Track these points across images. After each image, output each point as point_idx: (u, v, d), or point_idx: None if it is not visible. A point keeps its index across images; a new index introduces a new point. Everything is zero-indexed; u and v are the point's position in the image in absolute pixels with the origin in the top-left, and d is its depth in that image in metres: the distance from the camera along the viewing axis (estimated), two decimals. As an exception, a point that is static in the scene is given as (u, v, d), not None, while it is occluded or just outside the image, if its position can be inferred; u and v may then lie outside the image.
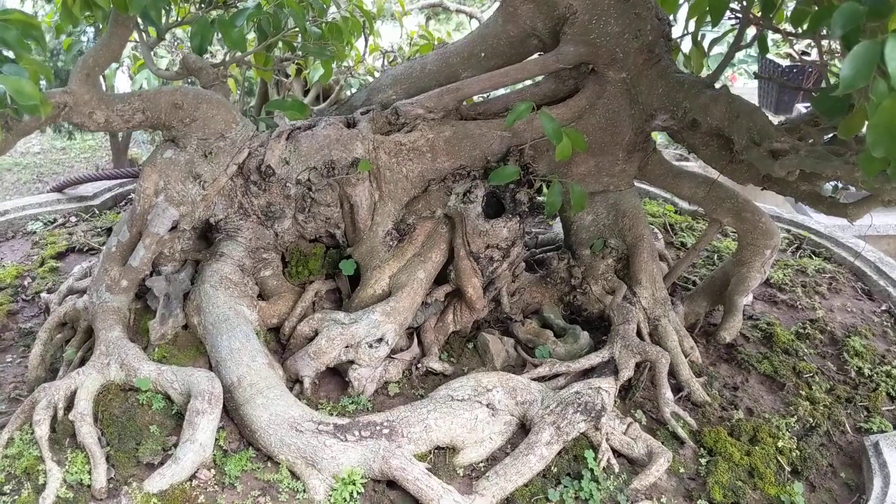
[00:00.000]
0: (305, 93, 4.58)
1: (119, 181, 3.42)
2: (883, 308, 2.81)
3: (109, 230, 3.07)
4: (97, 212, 3.26)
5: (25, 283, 2.71)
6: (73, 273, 2.59)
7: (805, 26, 1.75)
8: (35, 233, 3.09)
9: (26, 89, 1.55)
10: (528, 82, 2.40)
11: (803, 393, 2.31)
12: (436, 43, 5.05)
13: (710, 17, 2.02)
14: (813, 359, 2.50)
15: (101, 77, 2.13)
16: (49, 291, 2.59)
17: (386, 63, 5.03)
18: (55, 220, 3.19)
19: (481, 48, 2.37)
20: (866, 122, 1.46)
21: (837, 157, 1.76)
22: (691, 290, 2.71)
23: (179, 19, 2.50)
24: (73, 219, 3.21)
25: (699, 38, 2.32)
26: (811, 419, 2.20)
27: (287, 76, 4.30)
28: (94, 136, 7.45)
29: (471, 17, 5.64)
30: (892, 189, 1.80)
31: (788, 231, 3.30)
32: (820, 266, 3.03)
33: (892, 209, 4.21)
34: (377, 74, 5.03)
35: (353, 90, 4.35)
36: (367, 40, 4.98)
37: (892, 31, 1.34)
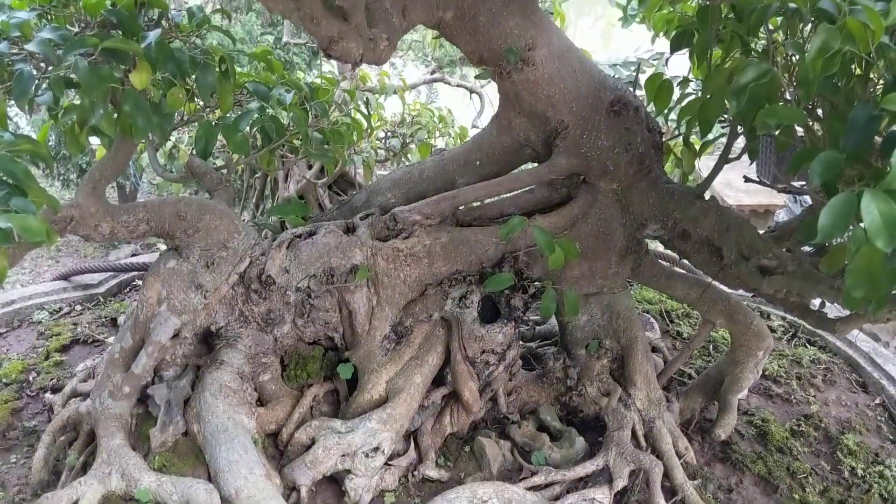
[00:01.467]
0: (310, 167, 4.66)
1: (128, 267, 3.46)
2: (877, 401, 2.82)
3: (114, 321, 3.11)
4: (102, 300, 3.30)
5: (31, 377, 2.73)
6: (77, 372, 2.62)
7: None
8: (41, 322, 3.12)
9: (33, 226, 1.60)
10: (522, 189, 2.45)
11: (797, 497, 2.31)
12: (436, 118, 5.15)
13: (699, 127, 2.09)
14: (807, 457, 2.50)
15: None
16: (53, 389, 2.62)
17: (388, 138, 5.12)
18: (60, 308, 3.23)
19: (477, 156, 2.43)
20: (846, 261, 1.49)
21: (823, 282, 1.79)
22: (687, 384, 2.73)
23: (186, 118, 2.56)
24: (79, 307, 3.24)
25: (690, 140, 2.38)
26: (805, 525, 2.21)
27: (292, 152, 4.37)
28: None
29: (471, 92, 5.74)
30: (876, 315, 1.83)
31: (784, 318, 3.32)
32: (815, 356, 3.05)
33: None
34: (381, 151, 5.13)
35: (358, 166, 4.42)
36: (370, 116, 5.08)
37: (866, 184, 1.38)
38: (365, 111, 4.71)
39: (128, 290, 3.44)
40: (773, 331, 3.25)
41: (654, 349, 2.88)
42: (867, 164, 1.51)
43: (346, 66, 5.30)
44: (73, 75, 1.89)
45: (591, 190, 2.31)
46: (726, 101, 1.85)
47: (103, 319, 3.14)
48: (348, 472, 2.11)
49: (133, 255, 6.57)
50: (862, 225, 1.36)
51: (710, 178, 2.26)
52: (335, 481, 2.18)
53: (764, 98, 1.68)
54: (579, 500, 2.04)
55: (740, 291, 2.36)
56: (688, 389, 2.64)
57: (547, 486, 2.17)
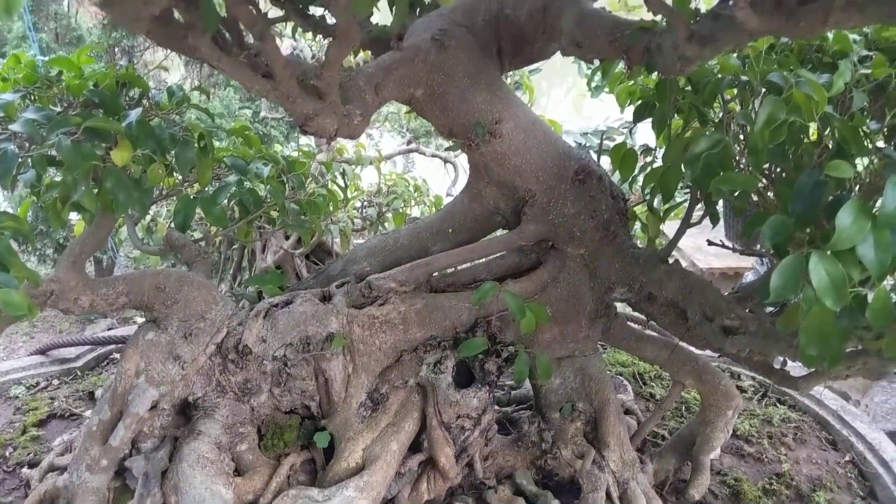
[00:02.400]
0: (287, 237, 4.71)
1: (105, 340, 3.46)
2: (847, 458, 2.86)
3: (91, 394, 3.10)
4: (79, 374, 3.30)
5: (7, 453, 2.71)
6: (54, 447, 2.60)
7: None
8: (18, 397, 3.11)
9: (15, 301, 1.63)
10: (494, 255, 2.51)
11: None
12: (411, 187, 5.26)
13: (661, 194, 2.18)
14: (780, 516, 2.53)
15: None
16: (30, 465, 2.60)
17: (364, 207, 5.21)
18: (38, 383, 3.22)
19: (449, 224, 2.50)
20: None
21: (782, 341, 1.86)
22: (660, 445, 2.76)
23: (165, 192, 2.61)
24: (56, 382, 3.24)
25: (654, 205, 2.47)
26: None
27: (269, 223, 4.43)
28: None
29: (445, 161, 5.87)
30: (853, 372, 1.89)
31: (754, 378, 3.38)
32: (785, 415, 3.10)
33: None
34: (357, 220, 5.21)
35: (335, 236, 4.49)
36: (346, 187, 5.17)
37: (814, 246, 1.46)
38: (341, 182, 4.81)
39: (105, 363, 3.44)
40: (743, 391, 3.31)
41: (628, 411, 2.92)
42: (816, 227, 1.59)
43: (323, 139, 5.41)
44: (55, 153, 1.94)
45: (560, 255, 2.38)
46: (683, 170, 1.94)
47: (81, 393, 3.13)
48: (326, 540, 2.11)
49: (109, 328, 6.54)
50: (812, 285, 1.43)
51: (674, 243, 2.33)
52: (313, 550, 2.18)
53: (718, 166, 1.77)
54: (556, 563, 2.05)
55: (708, 352, 2.41)
56: (661, 450, 2.67)
57: (523, 550, 2.18)
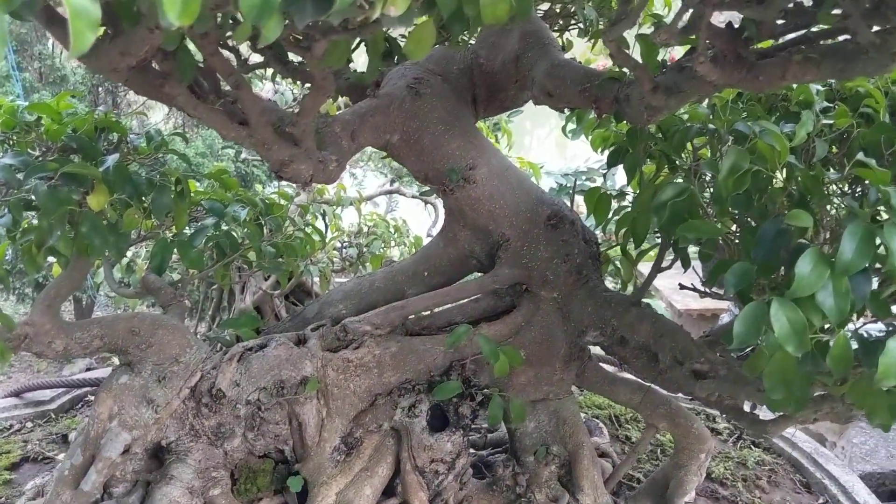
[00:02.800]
0: (266, 278, 4.71)
1: (81, 383, 3.44)
2: (820, 501, 2.87)
3: (65, 437, 3.07)
4: (53, 416, 3.27)
5: (-24, 495, 2.68)
6: (25, 491, 2.57)
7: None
8: (-10, 440, 3.08)
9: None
10: (469, 299, 2.53)
11: None
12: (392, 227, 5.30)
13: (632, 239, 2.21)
14: (755, 560, 2.53)
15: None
16: (0, 508, 2.57)
17: (344, 248, 5.24)
18: (11, 426, 3.18)
19: (425, 267, 2.52)
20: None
21: (750, 385, 1.88)
22: (636, 488, 2.76)
23: (142, 235, 2.62)
24: (29, 424, 3.20)
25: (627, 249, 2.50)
26: None
27: (247, 266, 4.43)
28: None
29: (426, 202, 5.92)
30: (821, 416, 1.92)
31: (729, 421, 3.39)
32: (759, 458, 3.11)
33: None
34: (336, 260, 5.23)
35: (315, 276, 4.50)
36: (326, 228, 5.19)
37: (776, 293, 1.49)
38: (322, 223, 4.83)
39: (80, 405, 3.41)
40: (718, 433, 3.32)
41: (603, 454, 2.92)
42: (778, 275, 1.62)
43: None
44: (32, 199, 1.95)
45: (534, 299, 2.40)
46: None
47: (54, 436, 3.10)
48: (298, 586, 2.10)
49: (88, 369, 6.48)
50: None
51: (645, 286, 2.36)
52: None
53: (684, 213, 1.81)
54: None
55: (681, 395, 2.43)
56: (636, 494, 2.67)
57: None
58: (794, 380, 1.54)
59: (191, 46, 1.68)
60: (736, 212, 1.81)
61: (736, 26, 1.63)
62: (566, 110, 2.31)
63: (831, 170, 1.91)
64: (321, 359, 2.33)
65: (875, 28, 1.35)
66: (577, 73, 2.10)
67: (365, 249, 4.99)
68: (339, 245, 5.15)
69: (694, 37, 1.59)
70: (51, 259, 2.61)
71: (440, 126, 2.25)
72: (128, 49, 1.41)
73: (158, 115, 9.88)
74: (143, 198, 2.17)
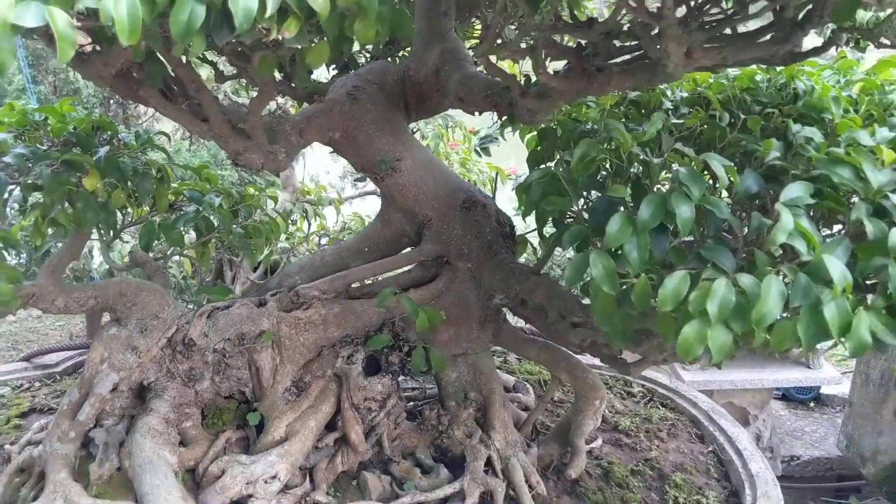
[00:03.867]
0: (255, 269, 5.17)
1: (79, 351, 3.89)
2: (710, 449, 3.30)
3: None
4: (58, 378, 3.72)
5: (-8, 437, 3.13)
6: (32, 428, 3.02)
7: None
8: (3, 396, 3.52)
9: (2, 290, 2.09)
10: (401, 270, 2.97)
11: (625, 517, 2.76)
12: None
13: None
14: (640, 490, 2.95)
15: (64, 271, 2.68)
16: (11, 444, 3.01)
17: (324, 242, 5.69)
18: (21, 384, 3.63)
19: (366, 245, 2.97)
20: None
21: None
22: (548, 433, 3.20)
23: (134, 219, 3.07)
24: (38, 384, 3.65)
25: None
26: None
27: (237, 256, 4.89)
28: None
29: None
30: (651, 352, 2.35)
31: (643, 385, 3.82)
32: (664, 415, 3.54)
33: (750, 366, 4.78)
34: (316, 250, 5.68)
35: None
36: (310, 224, 5.66)
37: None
38: (306, 219, 5.29)
39: (80, 369, 3.85)
40: (633, 395, 3.75)
41: (526, 408, 3.36)
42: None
43: (290, 181, 5.89)
44: (38, 181, 2.41)
45: (452, 269, 2.85)
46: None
47: (58, 392, 3.55)
48: (251, 496, 2.52)
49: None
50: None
51: (544, 260, 2.80)
52: (241, 506, 2.60)
53: (547, 192, 2.25)
54: (435, 513, 2.48)
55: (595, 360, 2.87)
56: (546, 438, 3.10)
57: (414, 505, 2.61)
58: (615, 315, 1.98)
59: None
60: (587, 191, 2.25)
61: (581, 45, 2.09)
62: (474, 114, 2.75)
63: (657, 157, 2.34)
64: (276, 317, 2.78)
65: (658, 46, 1.79)
66: (482, 83, 2.55)
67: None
68: (320, 240, 5.60)
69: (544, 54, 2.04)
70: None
71: (373, 126, 2.69)
72: (109, 61, 1.86)
73: (167, 126, 10.37)
74: (130, 182, 2.63)
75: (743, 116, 2.27)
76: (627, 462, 3.16)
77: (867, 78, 2.46)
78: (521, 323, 3.52)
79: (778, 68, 2.47)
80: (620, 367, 2.60)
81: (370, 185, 7.92)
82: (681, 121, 2.40)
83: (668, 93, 2.63)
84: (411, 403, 3.23)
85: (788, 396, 7.86)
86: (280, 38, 1.57)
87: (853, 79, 2.49)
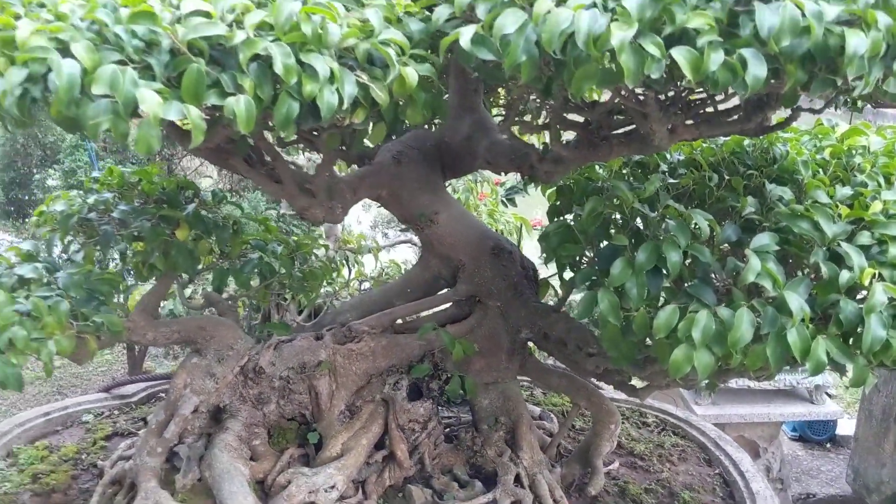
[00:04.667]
0: (300, 312, 5.60)
1: (151, 383, 4.32)
2: (716, 471, 3.62)
3: (144, 420, 3.93)
4: (134, 406, 4.14)
5: (83, 456, 3.54)
6: (120, 447, 3.43)
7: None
8: (87, 422, 3.95)
9: (116, 322, 2.52)
10: (439, 308, 3.37)
11: (637, 527, 3.09)
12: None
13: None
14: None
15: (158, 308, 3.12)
16: (102, 461, 3.42)
17: (365, 287, 6.11)
18: (103, 412, 4.06)
19: (408, 286, 3.38)
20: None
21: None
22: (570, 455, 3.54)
23: (206, 265, 3.52)
24: (116, 412, 4.08)
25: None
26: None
27: (285, 300, 5.33)
28: (112, 351, 8.30)
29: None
30: (654, 377, 2.72)
31: (657, 416, 4.16)
32: (675, 442, 3.87)
33: (758, 401, 5.08)
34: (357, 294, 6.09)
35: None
36: (350, 271, 6.09)
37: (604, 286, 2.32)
38: (346, 265, 5.73)
39: (153, 400, 4.28)
40: (647, 425, 4.08)
41: (550, 433, 3.71)
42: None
43: (332, 232, 6.35)
44: (139, 233, 2.86)
45: (483, 307, 3.24)
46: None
47: (135, 419, 3.97)
48: (313, 503, 2.91)
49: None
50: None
51: (563, 299, 3.19)
52: (303, 513, 2.97)
53: (564, 240, 2.65)
54: (471, 518, 2.84)
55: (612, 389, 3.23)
56: (568, 459, 3.45)
57: (451, 513, 2.97)
58: (620, 342, 2.36)
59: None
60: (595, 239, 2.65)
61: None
62: (501, 175, 3.17)
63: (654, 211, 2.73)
64: (332, 349, 3.18)
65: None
66: (507, 149, 2.98)
67: (381, 288, 5.86)
68: (357, 284, 6.02)
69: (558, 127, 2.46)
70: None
71: (415, 184, 3.12)
72: (210, 138, 2.31)
73: (206, 182, 11.01)
74: (211, 234, 3.08)
75: (727, 177, 2.67)
76: (641, 482, 3.49)
77: (836, 144, 2.85)
78: (549, 360, 3.88)
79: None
80: (630, 392, 2.96)
81: (402, 236, 8.40)
82: (676, 180, 2.80)
83: (668, 156, 3.04)
84: (448, 429, 3.59)
85: (805, 438, 8.06)
86: (349, 122, 2.01)
87: (824, 144, 2.88)
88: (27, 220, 7.63)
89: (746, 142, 2.96)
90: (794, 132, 3.08)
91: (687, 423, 4.03)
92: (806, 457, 7.90)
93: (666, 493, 3.41)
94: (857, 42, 1.59)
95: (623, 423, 4.00)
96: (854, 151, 2.80)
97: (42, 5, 1.90)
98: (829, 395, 5.36)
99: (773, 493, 3.31)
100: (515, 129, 2.90)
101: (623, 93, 1.99)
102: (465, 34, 1.80)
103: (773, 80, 1.71)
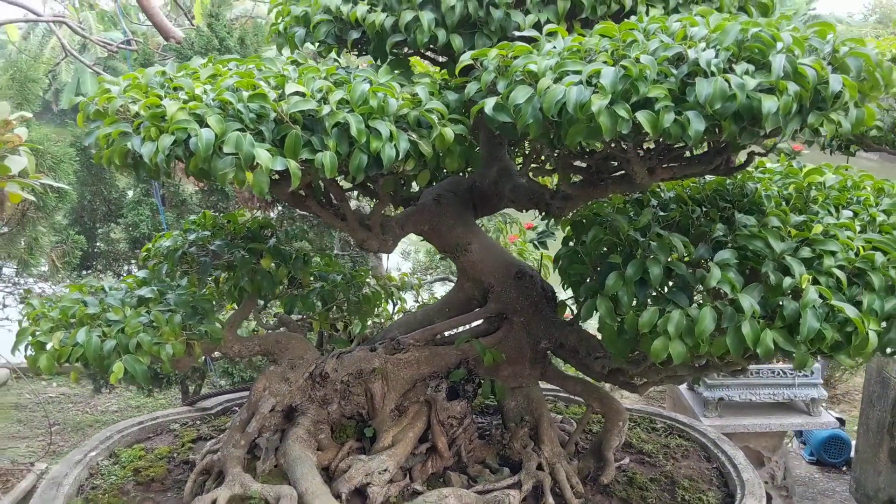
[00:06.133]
0: (351, 341, 6.17)
1: (227, 396, 4.92)
2: (714, 466, 4.09)
3: (222, 429, 4.52)
4: (213, 417, 4.73)
5: (175, 455, 4.13)
6: (207, 444, 4.02)
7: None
8: (175, 430, 4.55)
9: (217, 332, 3.13)
10: (473, 324, 3.94)
11: (642, 506, 3.59)
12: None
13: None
14: (656, 492, 3.77)
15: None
16: (193, 456, 4.01)
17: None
18: (187, 422, 4.66)
19: (446, 306, 3.96)
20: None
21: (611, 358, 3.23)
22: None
23: (276, 295, 4.13)
24: (199, 422, 4.67)
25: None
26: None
27: (337, 330, 5.92)
28: (165, 394, 8.91)
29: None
30: (648, 372, 3.24)
31: (665, 421, 4.64)
32: (679, 443, 4.35)
33: (760, 414, 5.52)
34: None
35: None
36: (394, 305, 6.65)
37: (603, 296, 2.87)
38: (392, 301, 6.30)
39: (228, 412, 4.86)
40: (656, 430, 4.57)
41: (570, 434, 4.22)
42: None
43: (377, 271, 6.95)
44: (232, 262, 3.49)
45: (510, 322, 3.80)
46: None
47: (215, 427, 4.55)
48: (369, 484, 3.45)
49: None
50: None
51: (577, 315, 3.73)
52: (361, 493, 3.51)
53: (573, 262, 3.21)
54: (500, 495, 3.36)
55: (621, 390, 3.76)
56: (584, 454, 3.96)
57: (485, 492, 3.49)
58: (617, 340, 2.91)
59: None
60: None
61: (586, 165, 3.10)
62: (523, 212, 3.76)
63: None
64: (384, 358, 3.75)
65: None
66: (527, 190, 3.57)
67: (421, 319, 6.43)
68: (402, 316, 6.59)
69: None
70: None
71: (451, 220, 3.71)
72: (291, 184, 2.94)
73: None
74: (287, 263, 3.70)
75: (705, 209, 3.23)
76: (648, 474, 3.98)
77: (799, 181, 3.39)
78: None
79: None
80: (632, 389, 3.49)
81: (437, 276, 8.98)
82: (666, 213, 3.36)
83: (661, 194, 3.61)
84: (481, 430, 4.13)
85: (822, 461, 8.39)
86: (403, 170, 2.63)
87: (790, 181, 3.43)
88: (91, 269, 8.28)
89: (729, 181, 3.52)
90: (769, 172, 3.64)
91: (691, 427, 4.52)
92: (822, 479, 8.22)
93: (668, 482, 3.89)
94: (769, 104, 2.16)
95: (635, 428, 4.50)
96: (812, 187, 3.34)
97: (179, 88, 2.56)
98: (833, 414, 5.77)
99: (761, 482, 3.78)
100: (532, 174, 3.49)
101: (612, 144, 2.58)
102: (489, 103, 2.42)
103: (716, 132, 2.30)
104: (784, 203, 3.26)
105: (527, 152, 3.29)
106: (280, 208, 7.38)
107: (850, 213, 3.08)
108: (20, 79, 6.65)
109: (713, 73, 2.21)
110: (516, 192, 3.60)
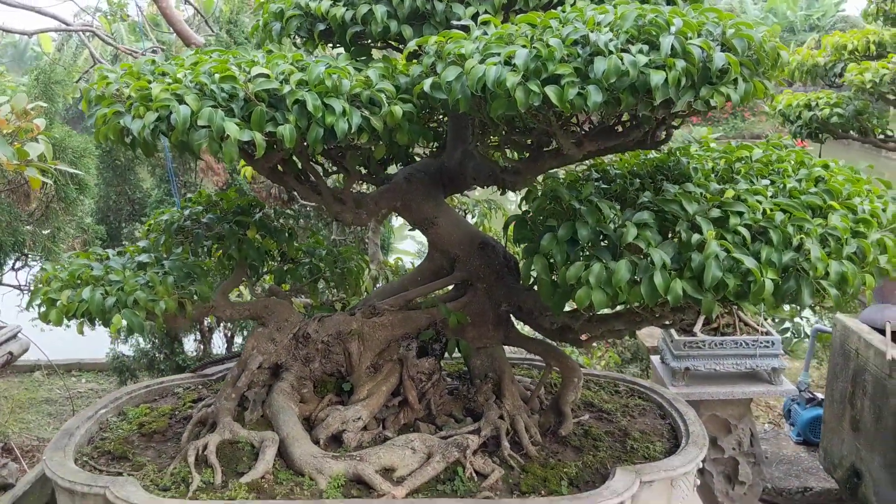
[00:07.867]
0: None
1: (226, 365, 5.32)
2: (667, 422, 4.41)
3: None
4: (214, 382, 5.13)
5: (176, 412, 4.53)
6: (204, 400, 4.42)
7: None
8: (178, 393, 4.95)
9: (205, 292, 3.53)
10: (441, 291, 4.30)
11: (591, 455, 3.92)
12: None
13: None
14: (609, 442, 4.10)
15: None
16: (190, 410, 4.40)
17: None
18: (189, 387, 5.06)
19: (419, 275, 4.33)
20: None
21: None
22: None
23: (269, 269, 4.53)
24: (200, 386, 5.07)
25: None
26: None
27: (335, 310, 6.30)
28: None
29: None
30: (586, 327, 3.58)
31: (627, 385, 4.96)
32: (638, 403, 4.68)
33: (725, 383, 5.83)
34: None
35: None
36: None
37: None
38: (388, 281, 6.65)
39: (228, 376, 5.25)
40: (619, 392, 4.89)
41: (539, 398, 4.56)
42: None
43: (375, 257, 7.32)
44: (222, 234, 3.89)
45: (474, 289, 4.15)
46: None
47: (214, 390, 4.95)
48: (344, 430, 3.82)
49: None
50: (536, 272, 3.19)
51: (529, 280, 4.08)
52: (337, 439, 3.88)
53: (520, 228, 3.56)
54: (460, 438, 3.72)
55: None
56: (544, 410, 4.30)
57: (448, 437, 3.84)
58: (553, 294, 3.25)
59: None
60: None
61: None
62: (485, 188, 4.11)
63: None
64: (361, 321, 4.12)
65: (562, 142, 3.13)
66: (487, 168, 3.93)
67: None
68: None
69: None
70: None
71: (421, 197, 4.07)
72: (269, 159, 3.32)
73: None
74: (273, 236, 4.09)
75: (642, 182, 3.57)
76: (604, 428, 4.31)
77: (728, 156, 3.72)
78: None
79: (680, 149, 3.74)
80: (578, 344, 3.84)
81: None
82: (609, 185, 3.70)
83: (609, 170, 3.95)
84: (451, 389, 4.49)
85: (808, 441, 8.64)
86: (358, 143, 3.00)
87: (721, 156, 3.76)
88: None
89: (672, 159, 3.85)
90: (710, 150, 3.97)
91: (651, 389, 4.84)
92: (807, 457, 8.48)
93: (621, 434, 4.22)
94: (657, 78, 2.52)
95: (599, 391, 4.83)
96: (739, 160, 3.67)
97: (164, 73, 2.95)
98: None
99: (705, 432, 4.10)
100: (489, 153, 3.85)
101: (537, 117, 2.93)
102: (427, 83, 2.80)
103: (618, 104, 2.65)
104: (713, 175, 3.59)
105: (478, 131, 3.66)
106: (297, 205, 7.77)
107: (768, 182, 3.40)
108: (44, 80, 7.13)
109: (611, 53, 2.56)
110: (477, 171, 3.95)
